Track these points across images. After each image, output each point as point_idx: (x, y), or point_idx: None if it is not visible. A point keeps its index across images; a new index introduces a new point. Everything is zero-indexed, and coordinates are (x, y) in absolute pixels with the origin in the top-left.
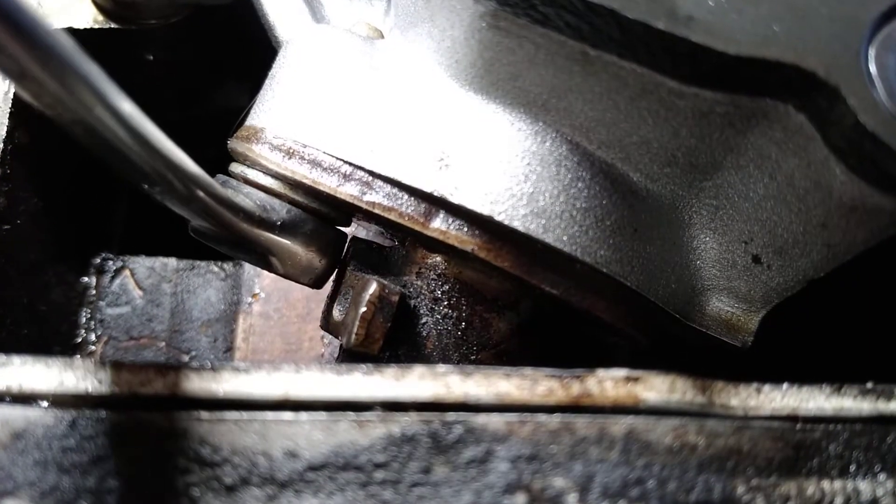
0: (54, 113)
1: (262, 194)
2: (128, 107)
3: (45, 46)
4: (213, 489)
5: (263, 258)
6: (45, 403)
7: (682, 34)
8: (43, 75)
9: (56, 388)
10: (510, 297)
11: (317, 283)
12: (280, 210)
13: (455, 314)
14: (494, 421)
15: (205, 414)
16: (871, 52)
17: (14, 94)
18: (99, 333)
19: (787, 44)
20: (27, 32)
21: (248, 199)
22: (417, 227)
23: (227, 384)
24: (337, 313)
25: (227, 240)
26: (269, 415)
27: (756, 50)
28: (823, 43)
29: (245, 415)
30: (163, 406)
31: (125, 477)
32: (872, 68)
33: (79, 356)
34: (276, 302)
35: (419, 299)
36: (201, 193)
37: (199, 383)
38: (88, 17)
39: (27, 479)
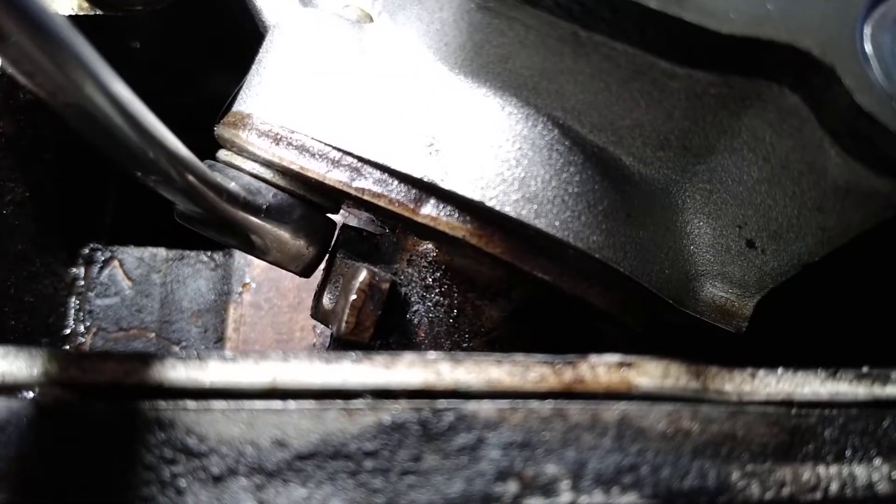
0: (48, 95)
1: (249, 178)
2: (121, 88)
3: (43, 26)
4: (200, 479)
5: (250, 243)
6: (28, 394)
7: (674, 13)
8: (40, 56)
9: (39, 378)
10: (502, 284)
11: (305, 271)
12: (266, 194)
13: (446, 301)
14: (486, 408)
15: (191, 403)
16: (867, 32)
17: None
18: (88, 324)
19: (781, 23)
20: (25, 12)
21: (234, 181)
22: (407, 214)
23: (214, 373)
24: (327, 302)
25: (213, 223)
26: (257, 403)
27: (750, 29)
28: (818, 22)
29: (232, 404)
30: (148, 396)
31: (111, 468)
32: (868, 48)
33: (65, 347)
34: (266, 292)
35: (410, 287)
36: (189, 176)
37: (185, 373)
38: (73, 3)
39: (10, 471)
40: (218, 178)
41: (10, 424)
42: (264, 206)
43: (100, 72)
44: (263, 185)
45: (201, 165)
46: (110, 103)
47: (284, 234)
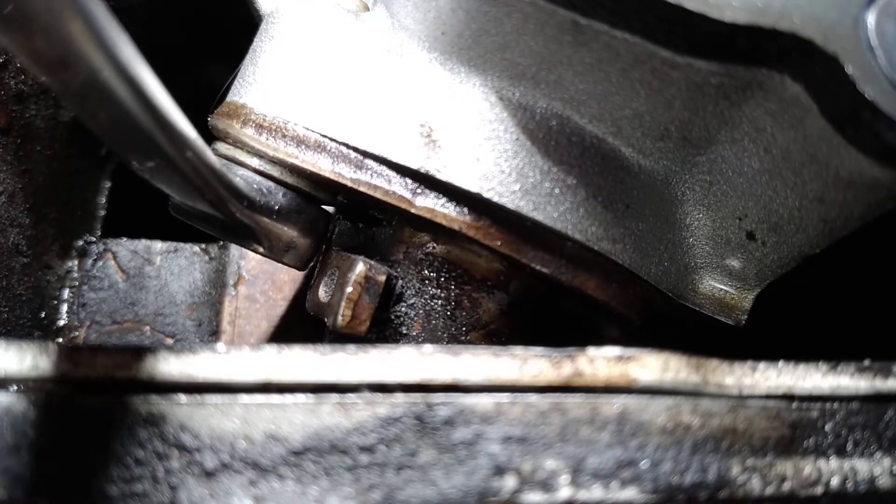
0: (61, 74)
1: (256, 176)
2: (144, 73)
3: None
4: (193, 475)
5: (250, 239)
6: (18, 388)
7: (675, 1)
8: (61, 29)
9: (29, 372)
10: (500, 277)
11: (301, 264)
12: (276, 194)
13: (443, 294)
14: (483, 402)
15: (184, 398)
16: (871, 20)
17: None
18: (81, 318)
19: (783, 11)
20: None
21: (244, 181)
22: (404, 206)
23: (207, 367)
24: (322, 294)
25: (217, 222)
26: (251, 398)
27: (752, 17)
28: (821, 10)
29: (226, 398)
30: (140, 390)
31: (102, 463)
32: (872, 36)
33: (57, 340)
34: (262, 284)
35: (407, 279)
36: (217, 185)
37: (177, 366)
38: None
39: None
40: (240, 183)
41: (0, 419)
42: (276, 207)
43: (120, 46)
44: (273, 184)
45: (222, 168)
46: (129, 86)
47: (284, 230)
